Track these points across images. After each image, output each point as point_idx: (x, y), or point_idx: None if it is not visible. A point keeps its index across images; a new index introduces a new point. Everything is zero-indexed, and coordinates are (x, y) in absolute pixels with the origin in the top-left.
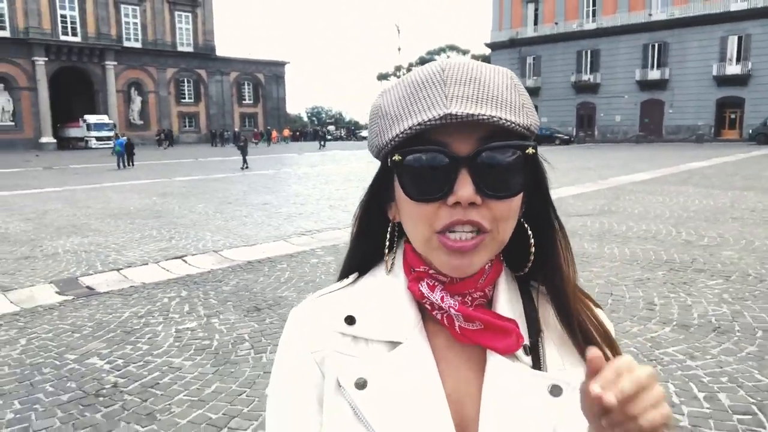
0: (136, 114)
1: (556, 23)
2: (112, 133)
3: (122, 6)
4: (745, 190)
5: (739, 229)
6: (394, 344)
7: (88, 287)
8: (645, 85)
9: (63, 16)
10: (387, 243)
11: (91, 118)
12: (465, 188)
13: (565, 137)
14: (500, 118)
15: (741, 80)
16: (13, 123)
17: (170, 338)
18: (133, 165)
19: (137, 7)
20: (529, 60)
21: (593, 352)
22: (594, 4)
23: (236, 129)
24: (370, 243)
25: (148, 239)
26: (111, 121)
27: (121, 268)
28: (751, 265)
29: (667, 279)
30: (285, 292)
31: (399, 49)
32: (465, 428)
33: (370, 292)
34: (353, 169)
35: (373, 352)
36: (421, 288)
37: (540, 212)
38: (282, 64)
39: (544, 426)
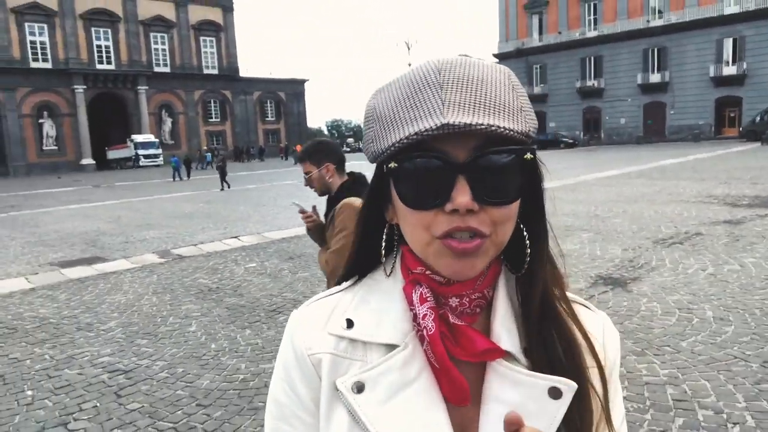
0: (167, 134)
1: (560, 32)
2: (158, 151)
3: (152, 34)
4: (684, 180)
5: (643, 207)
6: (392, 347)
7: (178, 255)
8: (646, 88)
9: (98, 47)
10: (383, 245)
11: (138, 138)
12: (462, 195)
13: (570, 141)
14: (498, 127)
15: (738, 80)
16: (56, 147)
17: (242, 270)
18: (189, 178)
19: (165, 35)
20: (536, 68)
21: (512, 415)
22: (595, 13)
23: (261, 144)
24: (370, 246)
25: (207, 229)
26: (156, 140)
27: (197, 244)
28: (623, 225)
29: (559, 234)
30: (308, 250)
31: (409, 65)
32: (464, 431)
33: (368, 296)
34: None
35: (370, 356)
36: (413, 295)
37: (531, 218)
38: (302, 82)
39: (545, 428)
